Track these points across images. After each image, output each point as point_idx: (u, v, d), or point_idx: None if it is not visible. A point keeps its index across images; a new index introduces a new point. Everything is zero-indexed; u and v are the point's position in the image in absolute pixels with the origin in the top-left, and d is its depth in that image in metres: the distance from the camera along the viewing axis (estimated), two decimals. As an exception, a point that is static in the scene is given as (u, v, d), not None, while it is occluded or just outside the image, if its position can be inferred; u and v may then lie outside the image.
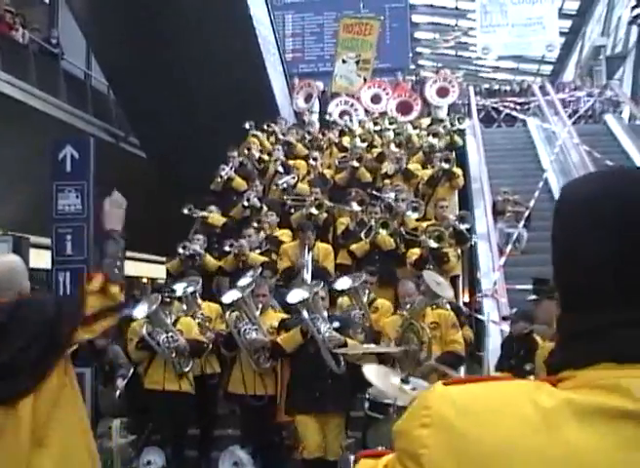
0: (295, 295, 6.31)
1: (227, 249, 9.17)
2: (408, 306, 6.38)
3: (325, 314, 6.33)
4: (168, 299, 7.23)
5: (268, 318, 6.99)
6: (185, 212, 10.43)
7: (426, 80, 17.66)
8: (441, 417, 0.95)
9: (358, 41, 18.57)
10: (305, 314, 6.07)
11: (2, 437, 3.25)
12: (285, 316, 7.08)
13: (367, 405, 5.14)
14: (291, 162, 12.04)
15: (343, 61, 18.34)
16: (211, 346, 7.31)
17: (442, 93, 16.60)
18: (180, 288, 7.72)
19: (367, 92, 17.08)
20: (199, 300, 7.85)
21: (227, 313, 7.06)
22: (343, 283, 7.13)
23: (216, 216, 10.48)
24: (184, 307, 7.70)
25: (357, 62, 18.35)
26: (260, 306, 6.92)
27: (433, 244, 8.41)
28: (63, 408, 3.44)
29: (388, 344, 6.13)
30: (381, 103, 16.67)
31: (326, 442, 6.04)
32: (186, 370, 6.94)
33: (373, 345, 5.88)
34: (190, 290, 7.68)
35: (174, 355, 6.82)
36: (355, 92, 17.41)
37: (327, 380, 6.05)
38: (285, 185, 10.90)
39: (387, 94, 16.91)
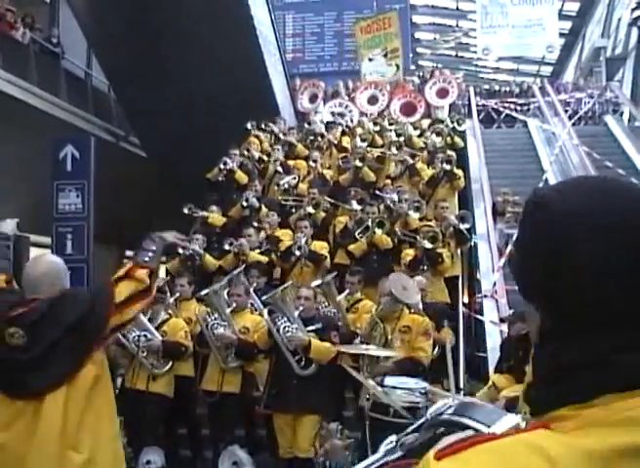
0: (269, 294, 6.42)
1: (227, 248, 9.17)
2: (379, 306, 6.45)
3: (296, 314, 6.29)
4: (161, 300, 7.18)
5: (243, 319, 7.02)
6: (186, 211, 10.41)
7: (427, 81, 17.66)
8: None
9: (380, 36, 18.65)
10: (265, 313, 6.15)
11: (35, 427, 3.37)
12: (260, 319, 7.09)
13: (368, 405, 5.14)
14: (291, 162, 12.05)
15: (370, 60, 18.43)
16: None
17: (442, 94, 16.63)
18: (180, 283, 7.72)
19: (363, 93, 17.07)
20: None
21: (198, 307, 7.08)
22: (315, 282, 7.21)
23: (216, 217, 10.48)
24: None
25: (385, 55, 18.41)
26: (234, 305, 6.97)
27: (427, 244, 8.43)
28: (96, 406, 3.54)
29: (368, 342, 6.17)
30: (378, 104, 16.66)
31: (297, 441, 6.08)
32: (157, 371, 6.83)
33: (373, 346, 5.86)
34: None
35: (144, 354, 6.76)
36: (390, 80, 17.76)
37: (292, 381, 6.08)
38: (286, 186, 10.92)
39: (384, 95, 16.91)
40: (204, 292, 6.88)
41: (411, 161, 11.31)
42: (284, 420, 6.16)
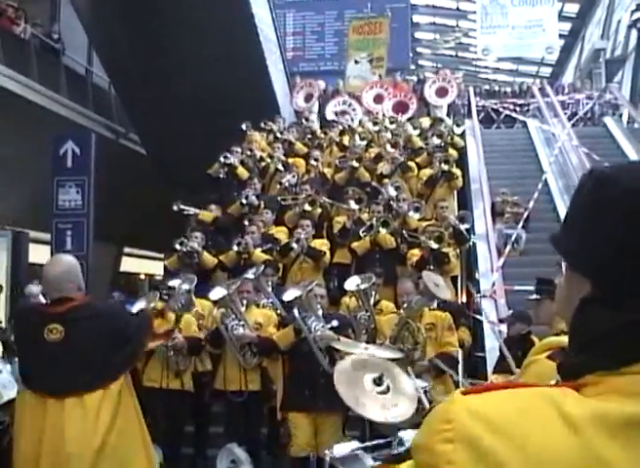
0: (289, 294, 6.33)
1: (235, 248, 9.10)
2: (405, 305, 6.39)
3: (320, 313, 6.32)
4: (166, 297, 7.22)
5: (252, 314, 7.01)
6: (175, 209, 10.32)
7: (426, 80, 17.68)
8: (465, 432, 0.88)
9: (369, 40, 18.65)
10: (296, 312, 6.09)
11: (70, 424, 3.58)
12: (271, 313, 7.16)
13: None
14: (290, 160, 12.05)
15: (356, 62, 18.41)
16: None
17: (441, 93, 16.63)
18: (175, 285, 7.69)
19: (369, 92, 17.09)
20: (194, 298, 7.81)
21: (214, 309, 7.07)
22: (351, 283, 7.13)
23: (206, 213, 10.42)
24: (179, 305, 7.64)
25: (370, 61, 18.41)
26: (245, 302, 6.97)
27: (434, 245, 8.43)
28: (125, 414, 3.76)
29: (383, 342, 6.14)
30: (384, 103, 16.69)
31: (319, 441, 6.03)
32: (183, 368, 6.89)
33: (372, 346, 5.85)
34: (185, 287, 7.64)
35: (171, 353, 6.79)
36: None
37: (320, 379, 6.04)
38: (287, 184, 10.93)
39: (389, 93, 16.95)
40: (218, 297, 6.85)
41: (401, 159, 11.32)
42: (307, 419, 6.09)
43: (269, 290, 7.92)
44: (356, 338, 6.47)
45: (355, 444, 3.76)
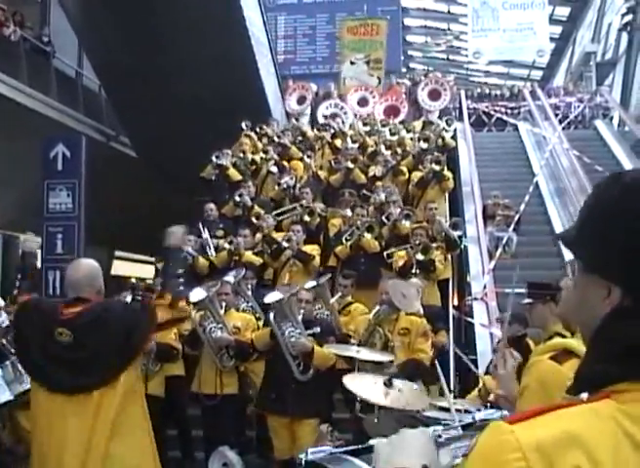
0: (270, 296, 6.35)
1: (227, 246, 9.12)
2: (373, 312, 6.40)
3: (300, 318, 6.28)
4: (140, 298, 7.14)
5: (231, 318, 7.01)
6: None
7: (419, 83, 17.70)
8: (536, 459, 0.88)
9: (366, 42, 18.62)
10: (271, 316, 6.10)
11: (77, 421, 3.75)
12: (250, 317, 7.17)
13: (358, 407, 5.15)
14: (287, 163, 12.03)
15: (352, 63, 18.38)
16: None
17: (434, 95, 16.64)
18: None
19: (354, 95, 17.10)
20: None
21: (193, 312, 7.06)
22: (309, 284, 7.16)
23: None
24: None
25: (367, 63, 18.39)
26: (224, 304, 6.97)
27: (420, 256, 8.42)
28: (130, 411, 3.90)
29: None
30: (368, 106, 16.69)
31: (297, 446, 5.91)
32: (149, 373, 6.80)
33: (364, 349, 5.84)
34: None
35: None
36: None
37: (290, 385, 6.05)
38: (285, 185, 10.91)
39: (374, 97, 16.95)
40: (198, 299, 6.83)
41: (393, 162, 11.34)
42: (280, 423, 6.13)
43: (249, 293, 7.92)
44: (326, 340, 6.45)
45: (329, 448, 3.74)
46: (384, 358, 5.71)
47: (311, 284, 7.15)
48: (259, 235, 9.67)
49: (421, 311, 6.85)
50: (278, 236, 9.62)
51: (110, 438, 3.78)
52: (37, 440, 3.92)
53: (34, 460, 3.92)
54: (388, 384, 4.21)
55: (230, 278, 7.47)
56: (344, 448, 3.59)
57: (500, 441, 0.91)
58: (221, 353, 6.76)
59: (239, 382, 6.86)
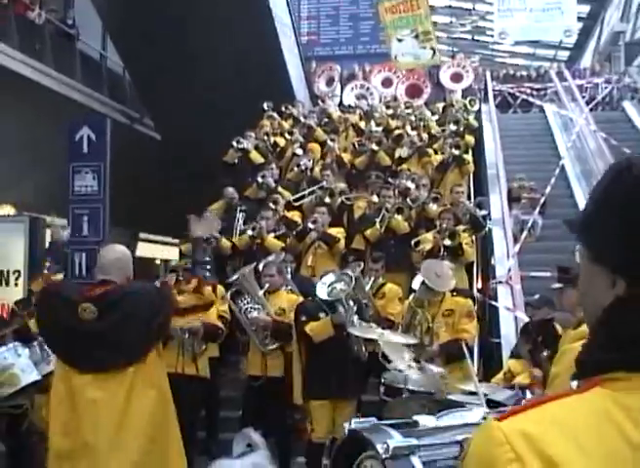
0: (327, 288, 6.24)
1: (250, 232, 9.10)
2: (412, 296, 6.42)
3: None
4: (182, 278, 7.19)
5: (279, 299, 6.97)
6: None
7: (441, 65, 17.56)
8: (525, 450, 0.89)
9: (408, 18, 18.38)
10: (342, 310, 6.01)
11: (108, 399, 3.84)
12: (296, 298, 7.07)
13: (382, 389, 5.16)
14: (309, 145, 12.00)
15: (399, 40, 18.19)
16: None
17: (456, 78, 16.54)
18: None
19: (377, 75, 17.01)
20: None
21: (228, 293, 7.06)
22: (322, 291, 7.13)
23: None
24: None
25: (416, 36, 18.21)
26: (267, 286, 6.90)
27: (447, 242, 8.39)
28: (157, 389, 4.03)
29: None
30: (392, 87, 16.61)
31: (337, 426, 6.03)
32: (199, 351, 6.88)
33: (387, 331, 5.84)
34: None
35: (187, 336, 6.77)
36: (426, 66, 17.45)
37: (347, 368, 6.05)
38: (304, 167, 10.88)
39: (398, 77, 16.86)
40: (234, 277, 6.84)
41: (419, 143, 11.29)
42: (322, 406, 6.07)
43: (288, 277, 7.88)
44: (367, 320, 6.45)
45: (373, 419, 3.83)
46: (409, 340, 5.71)
47: (324, 291, 7.10)
48: (276, 217, 9.66)
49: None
50: (292, 214, 9.62)
51: (142, 415, 3.87)
52: (60, 419, 3.94)
53: (56, 438, 3.95)
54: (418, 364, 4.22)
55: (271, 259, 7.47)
56: (388, 422, 3.67)
57: (488, 438, 0.93)
58: (264, 334, 6.76)
59: (285, 364, 6.78)
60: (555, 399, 0.95)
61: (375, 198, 9.70)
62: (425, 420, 3.76)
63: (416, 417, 3.76)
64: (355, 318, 6.06)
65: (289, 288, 7.55)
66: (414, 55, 18.06)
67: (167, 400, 4.11)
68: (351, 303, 6.13)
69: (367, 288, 7.19)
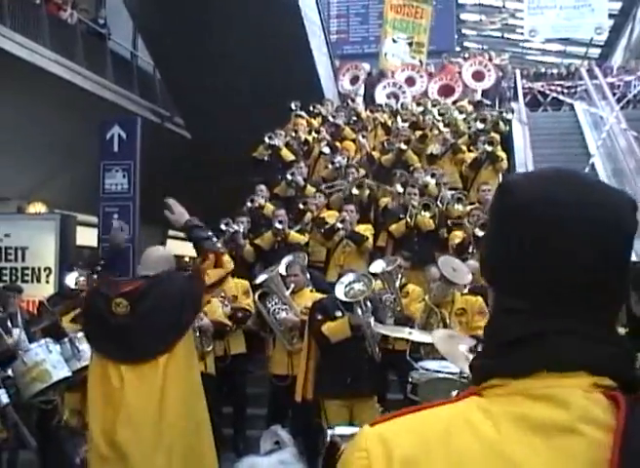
0: (375, 266, 6.22)
1: (278, 226, 9.05)
2: (430, 294, 6.40)
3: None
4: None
5: (303, 298, 6.98)
6: (223, 228, 9.50)
7: (463, 63, 17.48)
8: (377, 457, 0.93)
9: (409, 23, 18.44)
10: (359, 311, 5.99)
11: (141, 387, 3.95)
12: (320, 296, 7.06)
13: (409, 388, 5.16)
14: (338, 144, 11.98)
15: (394, 41, 18.22)
16: (234, 327, 7.29)
17: (477, 77, 16.43)
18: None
19: (400, 74, 16.97)
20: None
21: (256, 294, 7.09)
22: (377, 266, 7.12)
23: (270, 207, 10.25)
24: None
25: (410, 44, 18.24)
26: (292, 286, 6.93)
27: (478, 232, 8.35)
28: (192, 378, 4.16)
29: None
30: (416, 85, 16.55)
31: (360, 420, 6.01)
32: (208, 349, 6.87)
33: (415, 330, 5.84)
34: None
35: (197, 334, 6.82)
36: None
37: (362, 367, 6.04)
38: (338, 165, 10.83)
39: (422, 76, 16.80)
40: (261, 280, 6.89)
41: (452, 140, 11.24)
42: (339, 406, 6.02)
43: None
44: (382, 321, 6.45)
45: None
46: (432, 339, 5.69)
47: (380, 267, 7.10)
48: (308, 215, 9.65)
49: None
50: (328, 214, 9.60)
51: (176, 404, 3.97)
52: (98, 411, 4.03)
53: (95, 432, 4.02)
54: (475, 350, 4.22)
55: (290, 258, 7.48)
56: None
57: (354, 442, 0.97)
58: (291, 334, 6.79)
59: None
60: (431, 407, 0.98)
61: (399, 187, 9.69)
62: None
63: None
64: (372, 319, 6.04)
65: (310, 287, 7.58)
66: (402, 60, 18.08)
67: (198, 391, 4.20)
68: (369, 304, 6.12)
69: (397, 284, 7.20)
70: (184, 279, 4.37)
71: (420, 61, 18.10)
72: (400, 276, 7.42)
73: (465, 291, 6.71)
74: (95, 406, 4.09)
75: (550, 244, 0.96)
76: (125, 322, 4.05)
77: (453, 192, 9.60)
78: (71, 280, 7.04)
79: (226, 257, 4.47)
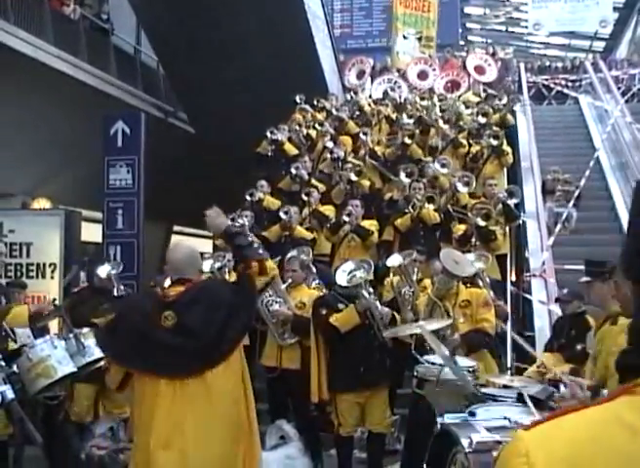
0: (391, 260, 6.22)
1: (283, 216, 9.07)
2: (432, 286, 6.41)
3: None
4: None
5: (300, 293, 6.98)
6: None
7: (467, 56, 17.49)
8: (537, 463, 0.91)
9: (417, 17, 18.46)
10: (366, 294, 6.02)
11: (195, 403, 3.80)
12: (316, 293, 7.04)
13: (414, 382, 5.15)
14: (341, 138, 11.98)
15: (404, 37, 18.23)
16: None
17: (478, 71, 16.44)
18: (207, 265, 7.63)
19: (414, 68, 16.95)
20: (227, 276, 7.76)
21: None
22: (394, 260, 7.11)
23: (270, 199, 10.36)
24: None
25: (419, 39, 18.24)
26: (289, 281, 6.93)
27: (481, 222, 8.34)
28: (238, 395, 3.99)
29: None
30: (429, 80, 16.54)
31: (371, 416, 6.04)
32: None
33: (423, 322, 5.81)
34: (217, 265, 7.61)
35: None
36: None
37: (374, 355, 6.04)
38: (336, 156, 10.84)
39: (434, 70, 16.79)
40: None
41: (452, 135, 11.24)
42: (351, 399, 6.04)
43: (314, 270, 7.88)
44: (401, 314, 6.47)
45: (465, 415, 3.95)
46: (445, 323, 5.67)
47: (398, 260, 7.10)
48: (306, 210, 9.66)
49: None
50: (325, 209, 9.62)
51: (221, 422, 3.86)
52: (143, 429, 3.87)
53: (140, 451, 3.89)
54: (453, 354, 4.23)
55: (294, 253, 7.49)
56: (479, 419, 3.83)
57: (511, 448, 0.96)
58: (283, 328, 6.79)
59: (302, 358, 6.75)
60: (577, 410, 0.97)
61: (404, 177, 9.69)
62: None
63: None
64: (378, 303, 6.08)
65: (316, 282, 7.55)
66: (412, 56, 18.08)
67: (243, 397, 4.05)
68: (371, 290, 6.14)
69: (414, 277, 7.18)
70: (234, 291, 4.17)
71: (430, 56, 18.07)
72: (416, 270, 7.41)
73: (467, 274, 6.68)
74: (140, 425, 3.93)
75: None
76: (172, 336, 3.87)
77: (460, 174, 9.61)
78: (103, 272, 7.01)
79: (270, 263, 4.32)
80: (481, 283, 6.10)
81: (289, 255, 7.41)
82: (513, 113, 13.54)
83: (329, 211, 9.70)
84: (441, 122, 11.63)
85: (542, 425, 0.96)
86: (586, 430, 0.92)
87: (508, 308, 8.41)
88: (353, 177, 9.96)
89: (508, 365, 7.46)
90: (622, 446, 0.88)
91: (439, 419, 3.97)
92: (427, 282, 7.50)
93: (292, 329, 6.74)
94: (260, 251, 4.72)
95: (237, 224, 9.11)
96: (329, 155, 11.07)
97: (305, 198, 9.79)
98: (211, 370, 3.84)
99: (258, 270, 4.10)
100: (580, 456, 0.89)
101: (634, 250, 1.02)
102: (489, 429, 3.66)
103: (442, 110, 12.52)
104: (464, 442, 3.55)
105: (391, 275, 7.39)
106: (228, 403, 3.91)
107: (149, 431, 3.79)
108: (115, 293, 5.20)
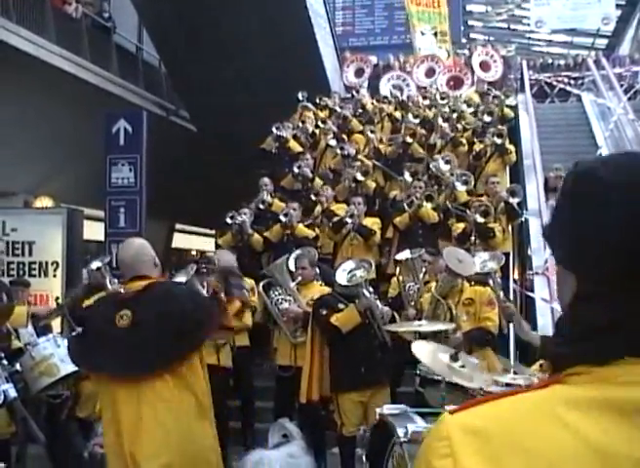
0: (347, 275, 6.24)
1: (283, 219, 9.06)
2: (436, 284, 6.40)
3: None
4: (204, 270, 7.18)
5: (310, 291, 6.96)
6: (228, 221, 9.63)
7: (473, 52, 17.48)
8: (461, 446, 0.91)
9: (429, 13, 18.47)
10: (367, 293, 6.01)
11: (138, 411, 3.65)
12: (326, 289, 7.02)
13: (417, 380, 5.15)
14: (345, 136, 11.95)
15: (422, 34, 18.26)
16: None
17: (484, 67, 16.42)
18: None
19: (421, 66, 16.94)
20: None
21: (260, 285, 7.07)
22: (403, 254, 7.12)
23: (278, 204, 10.27)
24: None
25: (435, 34, 18.26)
26: (299, 279, 6.92)
27: (479, 218, 8.33)
28: (192, 394, 3.80)
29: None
30: (435, 77, 16.55)
31: (374, 415, 6.04)
32: (221, 343, 6.88)
33: (424, 321, 5.81)
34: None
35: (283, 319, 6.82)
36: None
37: (376, 354, 6.04)
38: (346, 153, 10.80)
39: (441, 67, 16.80)
40: (266, 269, 6.89)
41: (451, 134, 11.23)
42: (354, 399, 6.04)
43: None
44: (405, 309, 6.47)
45: (404, 406, 4.00)
46: (447, 326, 5.68)
47: (406, 255, 7.10)
48: (318, 208, 9.65)
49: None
50: (337, 207, 9.59)
51: (178, 427, 3.71)
52: (106, 431, 3.84)
53: (108, 452, 3.85)
54: (454, 358, 4.21)
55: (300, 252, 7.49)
56: (417, 409, 3.91)
57: (434, 431, 0.96)
58: (295, 326, 6.78)
59: None
60: (512, 394, 0.97)
61: (407, 176, 9.68)
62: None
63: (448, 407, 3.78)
64: (378, 302, 6.07)
65: (319, 283, 7.55)
66: (431, 51, 18.10)
67: (204, 407, 3.90)
68: (371, 289, 6.14)
69: (420, 275, 7.17)
70: (204, 298, 4.13)
71: (447, 51, 18.08)
72: (424, 269, 7.38)
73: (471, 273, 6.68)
74: (104, 426, 3.89)
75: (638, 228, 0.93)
76: (124, 336, 3.73)
77: (458, 172, 9.59)
78: (94, 267, 7.01)
79: (248, 315, 4.20)
80: (492, 283, 6.06)
81: (296, 253, 7.38)
82: (514, 108, 13.53)
83: (341, 209, 9.64)
84: (440, 120, 11.61)
85: (472, 409, 0.95)
86: (516, 417, 0.91)
87: (517, 310, 8.41)
88: (359, 177, 9.92)
89: (511, 363, 7.45)
90: (551, 435, 0.88)
91: (377, 410, 4.07)
92: (434, 284, 7.49)
93: (303, 326, 6.72)
94: (246, 292, 4.57)
95: (237, 221, 9.12)
96: (339, 151, 11.03)
97: (314, 198, 9.77)
98: (161, 376, 3.69)
99: (237, 309, 4.06)
100: (505, 443, 0.89)
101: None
102: (425, 419, 3.69)
103: (452, 111, 12.49)
104: (400, 431, 3.58)
105: (397, 271, 7.40)
106: (175, 413, 3.72)
107: (111, 434, 3.76)
108: (108, 286, 5.16)
